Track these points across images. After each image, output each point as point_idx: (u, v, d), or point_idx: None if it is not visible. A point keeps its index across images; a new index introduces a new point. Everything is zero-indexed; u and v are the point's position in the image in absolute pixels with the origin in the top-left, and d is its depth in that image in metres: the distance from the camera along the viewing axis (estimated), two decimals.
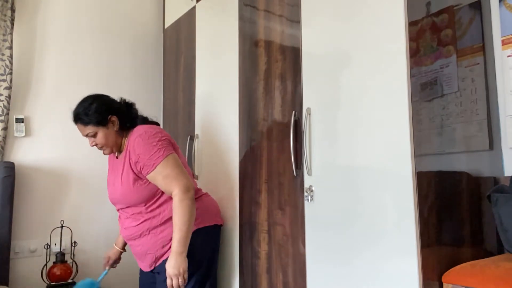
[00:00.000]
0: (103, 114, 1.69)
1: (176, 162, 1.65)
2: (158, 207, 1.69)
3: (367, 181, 1.31)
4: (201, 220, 1.75)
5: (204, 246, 1.76)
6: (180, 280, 1.55)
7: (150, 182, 1.66)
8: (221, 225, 1.90)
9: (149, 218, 1.68)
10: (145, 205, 1.68)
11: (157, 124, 1.88)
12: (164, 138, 1.69)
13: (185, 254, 1.57)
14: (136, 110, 1.84)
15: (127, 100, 1.84)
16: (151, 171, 1.62)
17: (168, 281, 1.56)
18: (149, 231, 1.69)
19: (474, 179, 1.47)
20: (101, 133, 1.69)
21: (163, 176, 1.61)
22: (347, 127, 1.40)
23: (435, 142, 1.44)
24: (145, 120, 1.84)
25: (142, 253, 1.73)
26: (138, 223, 1.69)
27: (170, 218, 1.65)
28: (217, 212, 1.89)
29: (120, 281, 2.51)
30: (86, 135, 1.71)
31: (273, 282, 1.67)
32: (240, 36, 1.96)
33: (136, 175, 1.67)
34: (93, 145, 1.73)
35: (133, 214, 1.70)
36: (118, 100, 1.81)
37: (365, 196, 1.32)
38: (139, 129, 1.70)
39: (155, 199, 1.69)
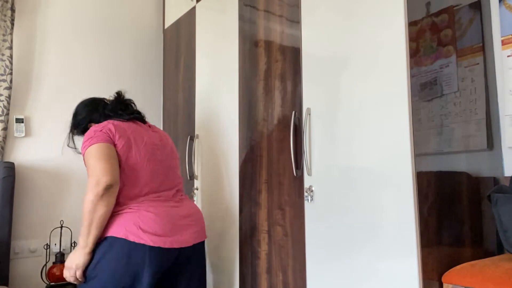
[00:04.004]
0: (83, 125, 1.83)
1: (97, 153, 1.57)
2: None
3: (367, 181, 1.31)
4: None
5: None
6: (70, 273, 1.53)
7: None
8: (132, 242, 1.52)
9: None
10: None
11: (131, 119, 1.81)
12: (101, 129, 1.64)
13: (87, 249, 1.52)
14: (114, 109, 1.81)
15: (108, 102, 1.85)
16: (84, 158, 1.63)
17: (64, 272, 1.59)
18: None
19: (474, 179, 1.47)
20: None
21: (86, 165, 1.61)
22: (347, 127, 1.40)
23: (434, 142, 1.44)
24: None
25: None
26: None
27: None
28: (131, 228, 1.55)
29: None
30: None
31: (273, 282, 1.67)
32: (240, 36, 1.96)
33: None
34: None
35: None
36: (103, 101, 1.85)
37: (365, 196, 1.32)
38: None
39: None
